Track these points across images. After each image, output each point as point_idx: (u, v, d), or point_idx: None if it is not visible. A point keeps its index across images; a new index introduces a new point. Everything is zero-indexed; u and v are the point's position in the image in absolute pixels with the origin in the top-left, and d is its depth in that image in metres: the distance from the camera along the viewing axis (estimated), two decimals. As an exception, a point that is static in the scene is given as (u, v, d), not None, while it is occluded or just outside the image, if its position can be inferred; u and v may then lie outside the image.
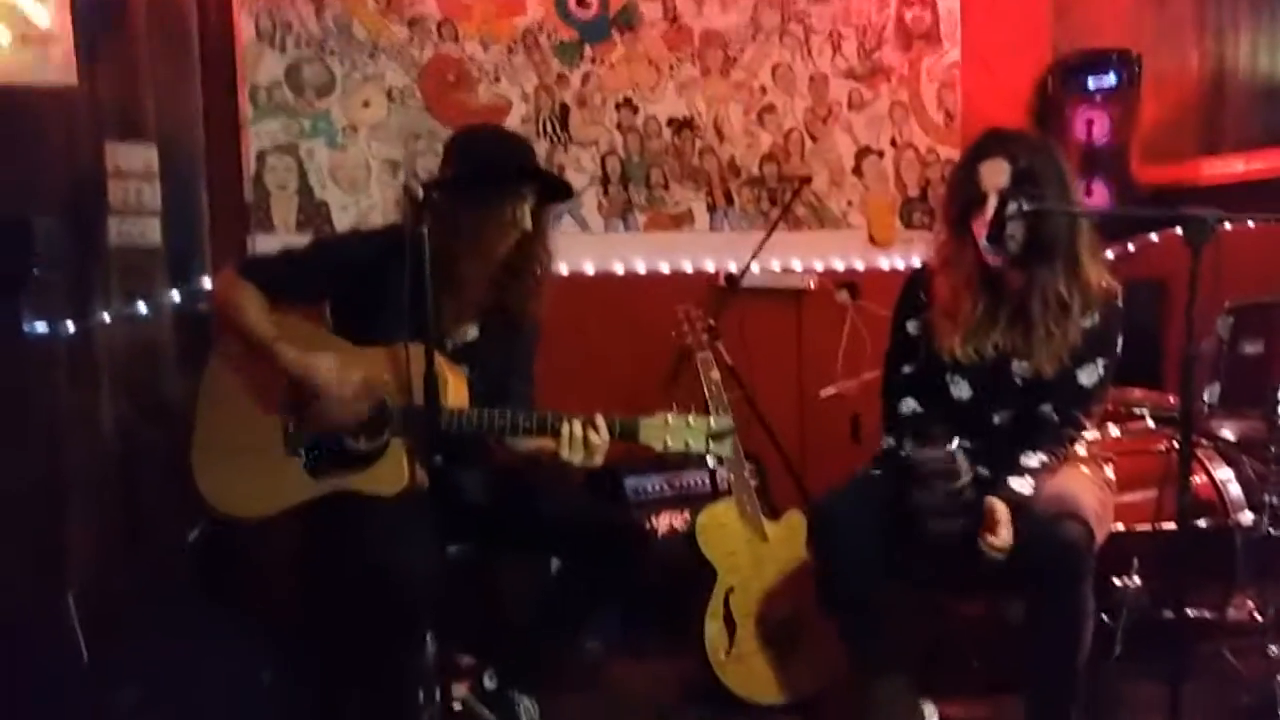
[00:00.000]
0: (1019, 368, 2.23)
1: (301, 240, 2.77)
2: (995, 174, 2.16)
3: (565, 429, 2.03)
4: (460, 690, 2.38)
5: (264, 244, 2.96)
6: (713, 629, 2.52)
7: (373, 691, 2.10)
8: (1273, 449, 2.51)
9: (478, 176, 2.17)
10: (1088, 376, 2.21)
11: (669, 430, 2.01)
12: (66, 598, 2.52)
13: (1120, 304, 2.24)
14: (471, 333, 2.29)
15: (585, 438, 2.02)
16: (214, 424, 2.21)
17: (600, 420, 2.03)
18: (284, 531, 2.16)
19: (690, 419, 2.00)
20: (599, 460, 2.05)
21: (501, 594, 2.68)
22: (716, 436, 2.00)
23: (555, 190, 2.33)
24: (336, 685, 2.25)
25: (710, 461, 2.04)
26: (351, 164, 3.11)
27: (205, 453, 2.20)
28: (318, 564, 2.24)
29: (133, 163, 2.82)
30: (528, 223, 2.22)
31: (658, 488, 3.04)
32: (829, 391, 3.39)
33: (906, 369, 2.39)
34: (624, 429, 2.04)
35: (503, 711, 2.35)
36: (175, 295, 2.82)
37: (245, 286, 2.18)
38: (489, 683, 2.37)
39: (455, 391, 2.12)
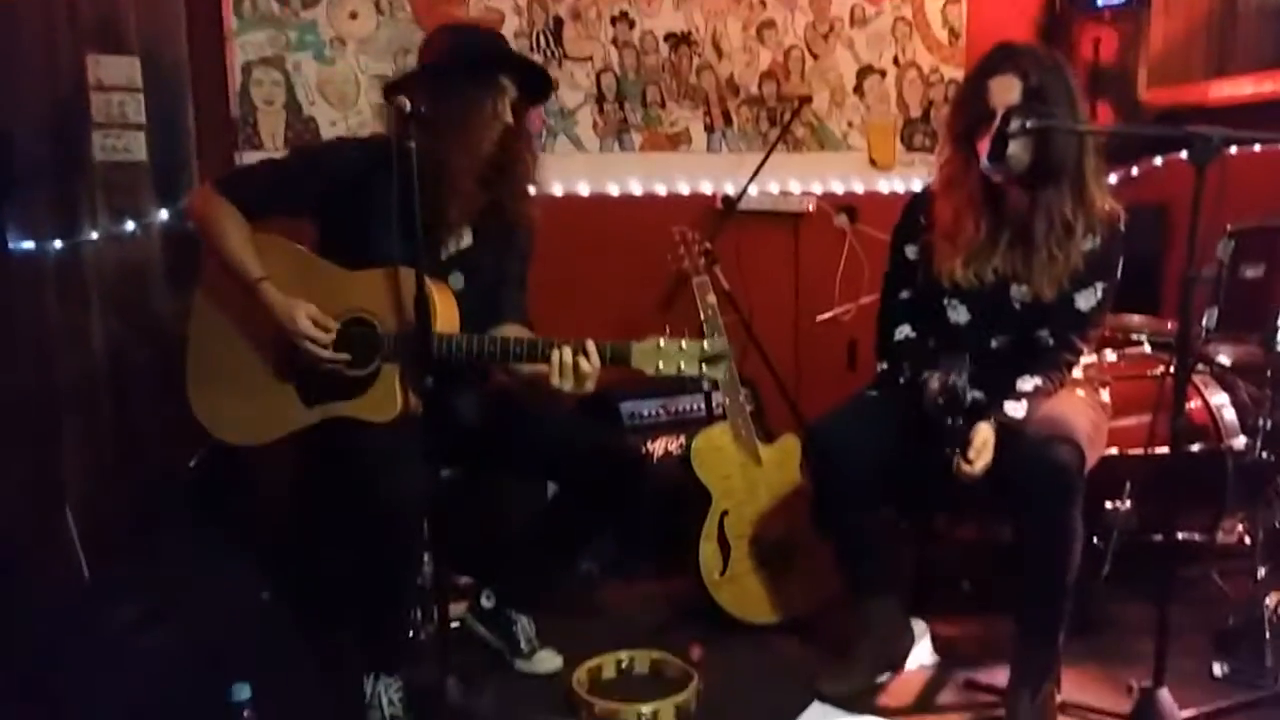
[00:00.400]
0: (1018, 292, 2.21)
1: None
2: (1005, 90, 2.10)
3: (556, 356, 2.01)
4: (458, 610, 2.42)
5: (252, 161, 2.89)
6: (707, 551, 2.55)
7: (370, 610, 2.12)
8: (1269, 373, 2.51)
9: (454, 67, 2.11)
10: (1086, 301, 2.20)
11: (661, 354, 1.98)
12: (65, 514, 2.53)
13: (1123, 228, 2.20)
14: (465, 239, 2.25)
15: (576, 364, 2.00)
16: (207, 352, 2.19)
17: (591, 346, 2.01)
18: (282, 456, 2.16)
19: (683, 343, 1.98)
20: (590, 387, 2.02)
21: (499, 516, 2.70)
22: (710, 360, 1.98)
23: (535, 84, 2.25)
24: (334, 604, 2.27)
25: (705, 385, 2.00)
26: (340, 79, 3.02)
27: (200, 380, 2.19)
28: (315, 487, 2.25)
29: (115, 75, 2.74)
30: (508, 115, 2.16)
31: (653, 412, 3.04)
32: (826, 316, 3.38)
33: (904, 294, 2.37)
34: (615, 354, 2.01)
35: (500, 630, 2.39)
36: (163, 212, 2.77)
37: (223, 206, 2.11)
38: (486, 602, 2.41)
39: (444, 315, 2.10)
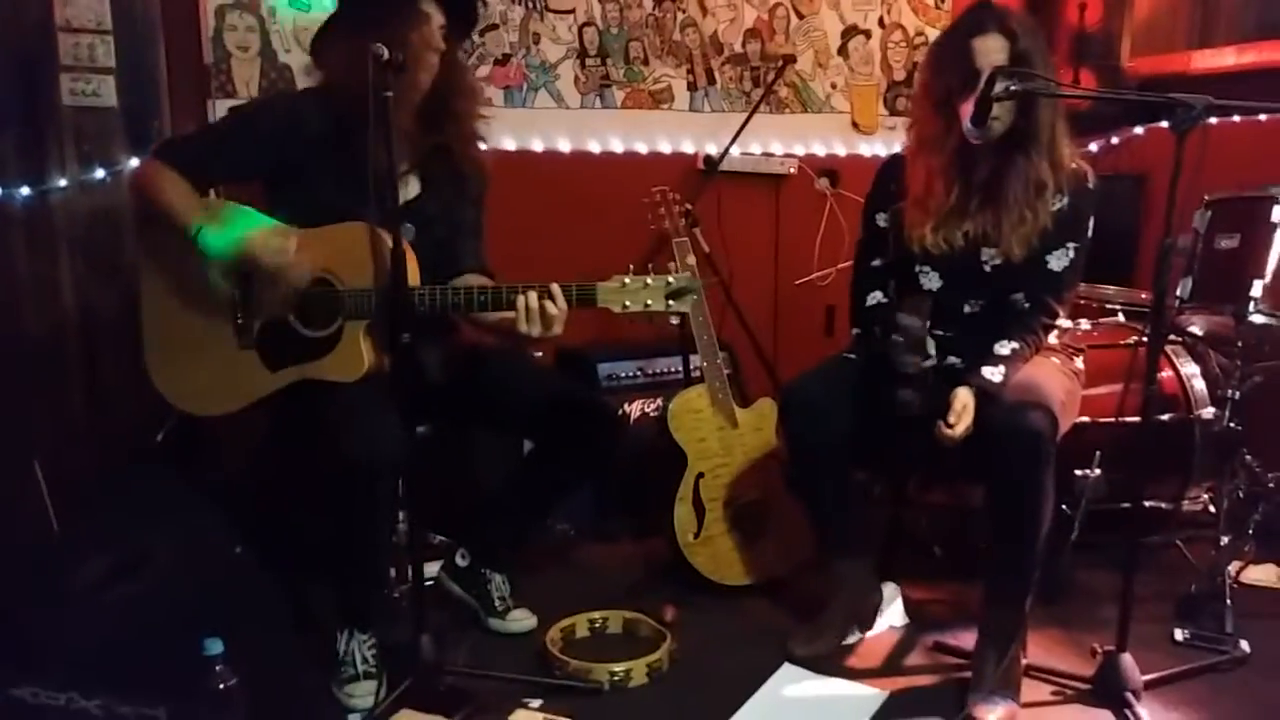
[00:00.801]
0: (988, 255, 2.21)
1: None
2: (992, 51, 2.08)
3: (521, 301, 1.98)
4: (433, 568, 2.42)
5: (225, 109, 2.82)
6: (682, 512, 2.56)
7: (343, 566, 2.12)
8: (1239, 344, 2.54)
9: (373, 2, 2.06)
10: (1058, 261, 2.20)
11: (626, 292, 1.96)
12: (34, 467, 2.50)
13: (1090, 186, 2.20)
14: (413, 187, 2.20)
15: (542, 308, 1.98)
16: (161, 324, 2.13)
17: (556, 289, 1.98)
18: (253, 417, 2.12)
19: (648, 279, 1.95)
20: (558, 329, 2.00)
21: (474, 474, 2.69)
22: (675, 294, 1.95)
23: (463, 12, 2.20)
24: (307, 559, 2.27)
25: (673, 320, 1.98)
26: (317, 25, 2.94)
27: (159, 353, 2.14)
28: (287, 447, 2.22)
29: (83, 17, 2.67)
30: (438, 41, 2.10)
31: (630, 374, 3.04)
32: (805, 280, 3.38)
33: (876, 262, 2.37)
34: (581, 294, 1.99)
35: (474, 589, 2.39)
36: (134, 160, 2.71)
37: (166, 173, 2.05)
38: (461, 561, 2.41)
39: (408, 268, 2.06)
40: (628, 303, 1.96)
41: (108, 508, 2.31)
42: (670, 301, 1.96)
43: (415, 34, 2.06)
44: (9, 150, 2.62)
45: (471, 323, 2.23)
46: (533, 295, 1.98)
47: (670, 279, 1.96)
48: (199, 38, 2.85)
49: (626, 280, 1.96)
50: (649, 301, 1.95)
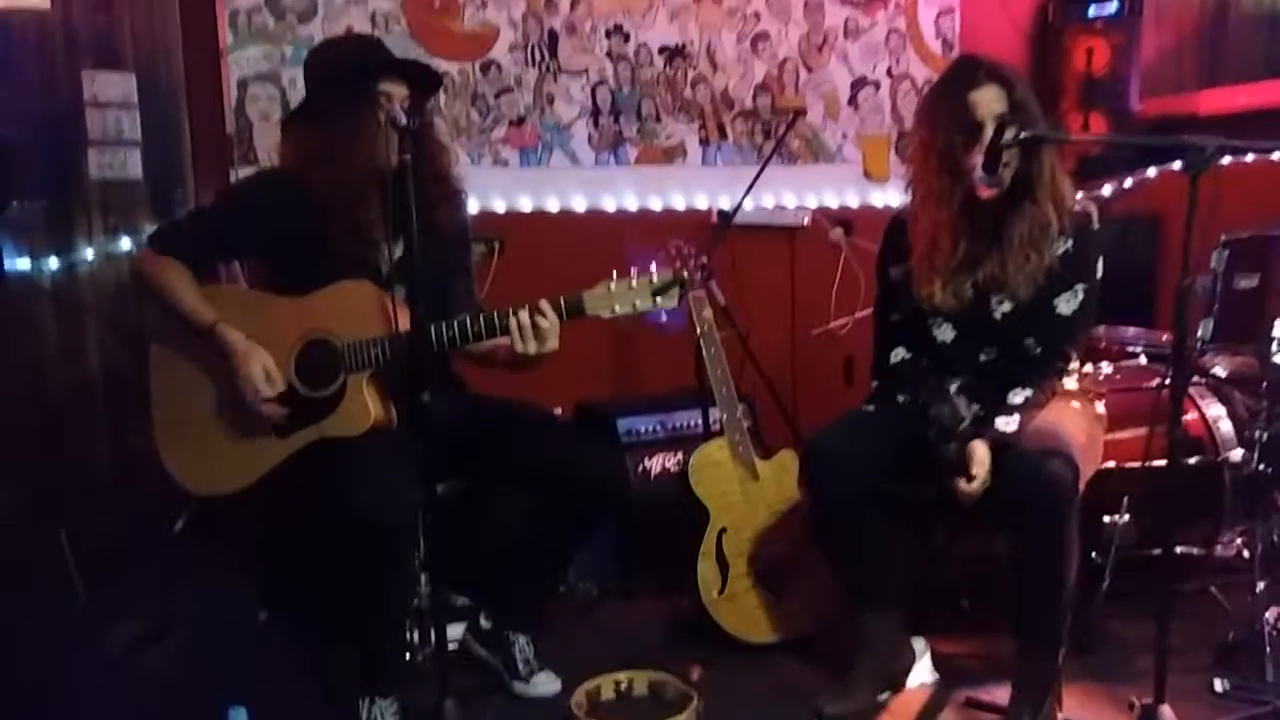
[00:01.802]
0: (998, 304, 2.22)
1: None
2: (991, 102, 2.10)
3: (513, 322, 2.00)
4: (456, 631, 2.41)
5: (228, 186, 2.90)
6: (705, 569, 2.54)
7: (365, 630, 2.11)
8: (1264, 385, 2.51)
9: (333, 88, 2.11)
10: (1067, 305, 2.20)
11: (613, 296, 1.97)
12: (60, 535, 2.52)
13: (1095, 227, 2.20)
14: (398, 249, 2.20)
15: (534, 324, 2.00)
16: (172, 406, 2.17)
17: (544, 303, 2.00)
18: (266, 490, 2.13)
19: (633, 281, 1.96)
20: (554, 344, 2.02)
21: (493, 534, 2.68)
22: (661, 290, 1.95)
23: (423, 81, 2.24)
24: (330, 625, 2.26)
25: (663, 316, 1.98)
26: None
27: (170, 437, 2.17)
28: (306, 511, 2.23)
29: (110, 92, 2.74)
30: (400, 117, 2.09)
31: (651, 429, 3.03)
32: (822, 330, 3.38)
33: (895, 317, 2.37)
34: (570, 306, 2.01)
35: (498, 651, 2.37)
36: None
37: (169, 264, 2.11)
38: (484, 623, 2.40)
39: (404, 324, 2.07)
40: (616, 306, 1.97)
41: (134, 575, 2.32)
42: (657, 298, 1.96)
43: (372, 116, 2.09)
44: (38, 224, 2.68)
45: (471, 358, 2.25)
46: (524, 314, 2.01)
47: (654, 276, 1.97)
48: (222, 109, 2.92)
49: (612, 285, 1.98)
50: (636, 302, 1.96)
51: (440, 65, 2.51)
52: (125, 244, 2.76)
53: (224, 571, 2.21)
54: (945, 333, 2.28)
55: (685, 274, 2.08)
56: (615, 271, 1.99)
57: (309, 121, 2.16)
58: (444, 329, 2.04)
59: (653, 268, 1.98)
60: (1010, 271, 2.17)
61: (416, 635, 2.36)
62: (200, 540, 2.45)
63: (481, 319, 2.04)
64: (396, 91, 2.15)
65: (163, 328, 2.17)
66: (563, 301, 2.01)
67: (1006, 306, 2.21)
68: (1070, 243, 2.18)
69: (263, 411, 2.06)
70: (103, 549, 2.51)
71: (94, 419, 2.77)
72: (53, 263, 2.69)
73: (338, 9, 3.01)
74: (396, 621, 2.12)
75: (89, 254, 2.73)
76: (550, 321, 2.00)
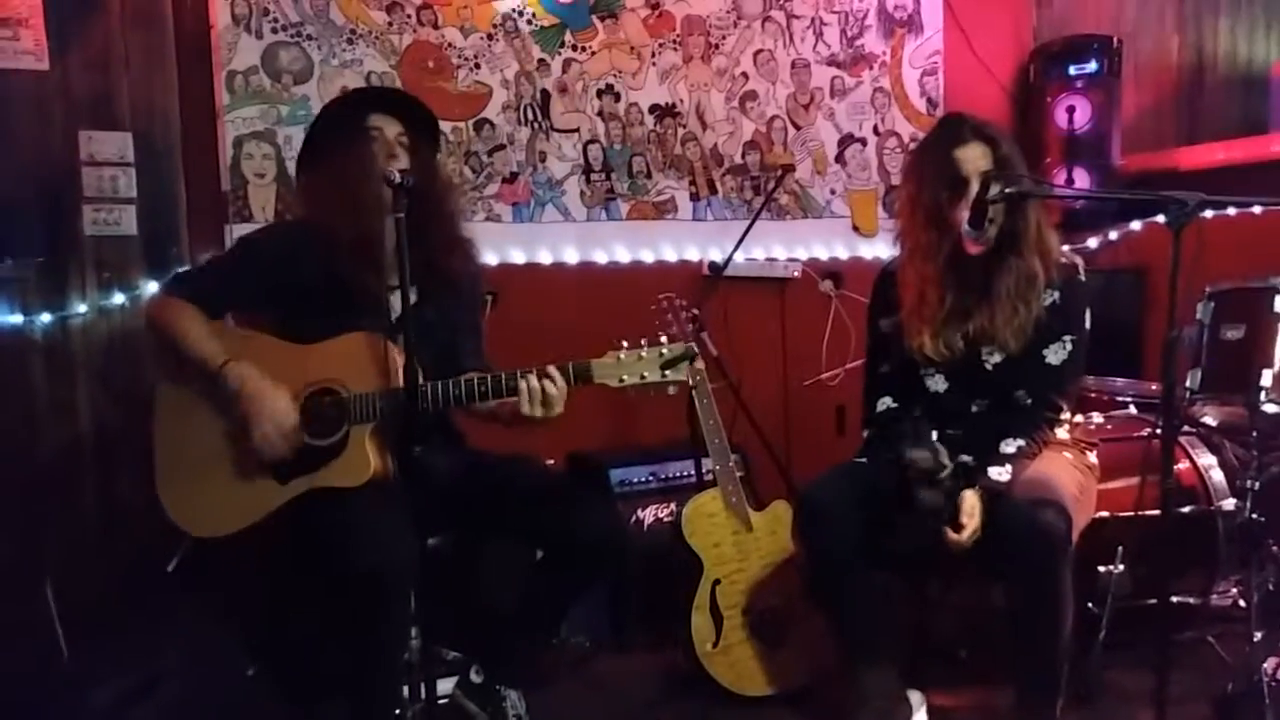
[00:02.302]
0: (989, 355, 2.24)
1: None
2: (977, 159, 2.16)
3: (523, 385, 1.99)
4: (446, 685, 2.37)
5: (242, 234, 2.91)
6: (699, 621, 2.51)
7: (355, 685, 2.07)
8: (1254, 434, 2.53)
9: (322, 129, 2.14)
10: (1055, 355, 2.22)
11: (622, 366, 1.96)
12: (45, 591, 2.49)
13: (1082, 279, 2.25)
14: (411, 296, 2.25)
15: (543, 390, 1.99)
16: (174, 446, 2.16)
17: (554, 370, 2.00)
18: (261, 540, 2.11)
19: (642, 351, 1.96)
20: (559, 409, 2.00)
21: (485, 587, 2.66)
22: (670, 363, 1.95)
23: (414, 116, 2.22)
24: (319, 680, 2.23)
25: (670, 389, 1.98)
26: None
27: (169, 476, 2.16)
28: (297, 561, 2.21)
29: (107, 151, 2.78)
30: (400, 156, 2.14)
31: (643, 479, 3.02)
32: (813, 381, 3.39)
33: (884, 368, 2.40)
34: (578, 372, 2.00)
35: (490, 706, 2.33)
36: (152, 285, 2.78)
37: (183, 307, 2.13)
38: (475, 677, 2.36)
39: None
40: (624, 376, 1.97)
41: (120, 630, 2.29)
42: (666, 371, 1.95)
43: (367, 151, 2.11)
44: (31, 279, 2.69)
45: (473, 414, 2.24)
46: (533, 378, 2.00)
47: (664, 349, 1.96)
48: (217, 166, 2.95)
49: (621, 354, 1.97)
50: (645, 373, 1.95)
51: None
52: (119, 299, 2.77)
53: (212, 624, 2.18)
54: (938, 383, 2.30)
55: (695, 347, 2.08)
56: (625, 341, 1.99)
57: (311, 169, 2.19)
58: (450, 387, 2.04)
59: (663, 339, 1.98)
60: (999, 324, 2.20)
61: (407, 690, 2.32)
62: (192, 582, 2.41)
63: (489, 380, 2.03)
64: (388, 127, 2.16)
65: (171, 370, 2.17)
66: (571, 368, 2.00)
67: (997, 357, 2.24)
68: (1058, 294, 2.22)
69: (277, 448, 2.03)
70: (89, 604, 2.48)
71: (83, 474, 2.75)
72: (45, 317, 2.70)
73: (333, 70, 3.06)
74: (388, 675, 2.08)
75: (82, 308, 2.74)
76: (559, 388, 1.99)
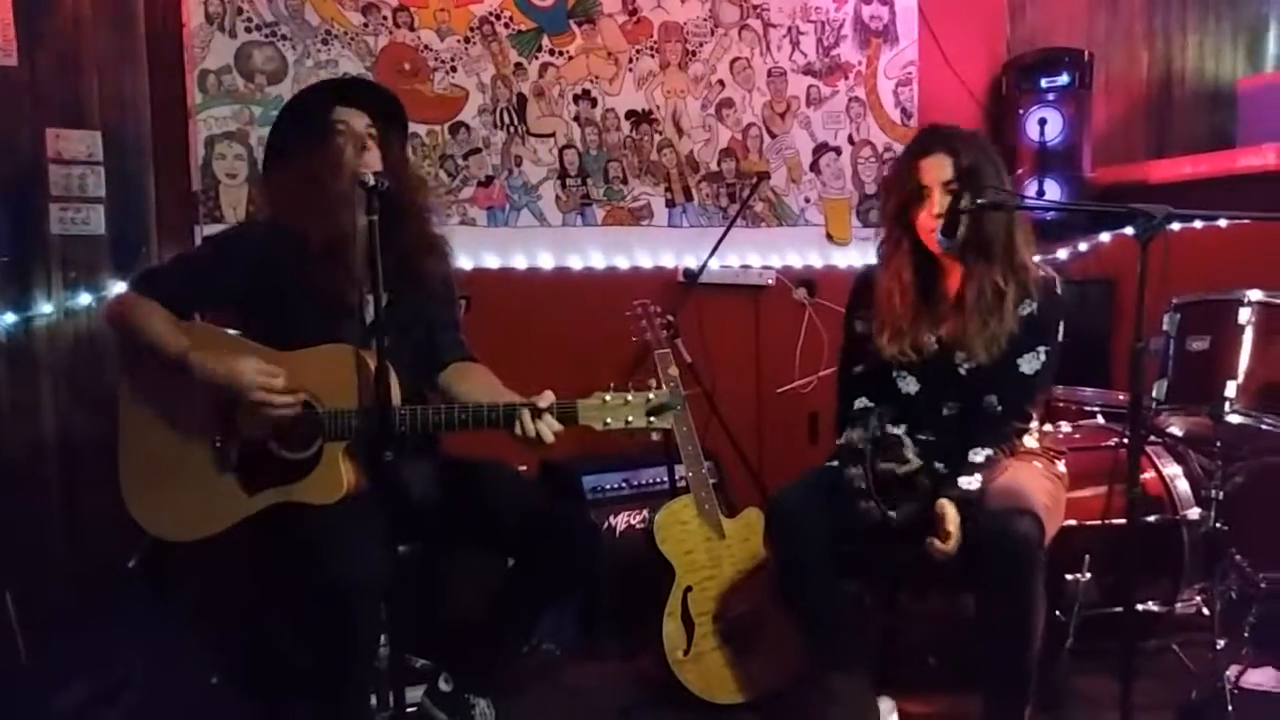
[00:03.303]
0: (961, 359, 2.27)
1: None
2: (937, 169, 2.21)
3: (517, 425, 1.98)
4: (415, 694, 2.35)
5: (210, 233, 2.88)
6: (670, 628, 2.51)
7: (323, 695, 2.05)
8: (1218, 444, 2.56)
9: (285, 123, 2.11)
10: (1029, 365, 2.25)
11: (607, 409, 1.96)
12: (4, 596, 2.44)
13: (1059, 292, 2.29)
14: (382, 299, 2.19)
15: (538, 430, 1.97)
16: (140, 450, 2.11)
17: (549, 401, 1.97)
18: (227, 545, 2.08)
19: (628, 396, 1.96)
20: (551, 441, 1.99)
21: (455, 595, 2.64)
22: (655, 411, 1.96)
23: (382, 107, 2.18)
24: (286, 688, 2.20)
25: (654, 435, 2.00)
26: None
27: (135, 479, 2.11)
28: (265, 572, 2.18)
29: (75, 149, 2.74)
30: (367, 140, 2.10)
31: (616, 485, 3.02)
32: (787, 388, 3.40)
33: (858, 369, 2.42)
34: (562, 413, 1.99)
35: (459, 715, 2.31)
36: (120, 285, 2.74)
37: (146, 303, 2.07)
38: (444, 686, 2.34)
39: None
40: (609, 420, 1.97)
41: (83, 636, 2.25)
42: (651, 418, 1.96)
43: (334, 143, 2.08)
44: (-3, 278, 2.65)
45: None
46: (527, 415, 1.96)
47: (650, 395, 1.97)
48: (188, 166, 2.92)
49: (607, 398, 1.97)
50: (630, 418, 1.96)
51: (410, 127, 2.53)
52: (85, 299, 2.73)
53: (176, 630, 2.15)
54: (909, 385, 2.33)
55: (683, 395, 2.08)
56: (613, 385, 1.99)
57: (276, 167, 2.16)
58: (430, 415, 2.00)
59: (650, 384, 1.99)
60: (970, 334, 2.24)
61: (375, 698, 2.30)
62: (153, 582, 2.37)
63: (469, 411, 2.01)
64: (355, 120, 2.11)
65: (138, 371, 2.11)
66: (555, 408, 1.98)
67: (971, 363, 2.26)
68: (1035, 307, 2.25)
69: (280, 407, 1.98)
70: (52, 610, 2.44)
71: (46, 477, 2.71)
72: (9, 317, 2.65)
73: (308, 70, 3.04)
74: (356, 683, 2.06)
75: (47, 309, 2.69)
76: (555, 427, 1.97)
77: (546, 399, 1.98)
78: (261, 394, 1.98)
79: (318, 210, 2.06)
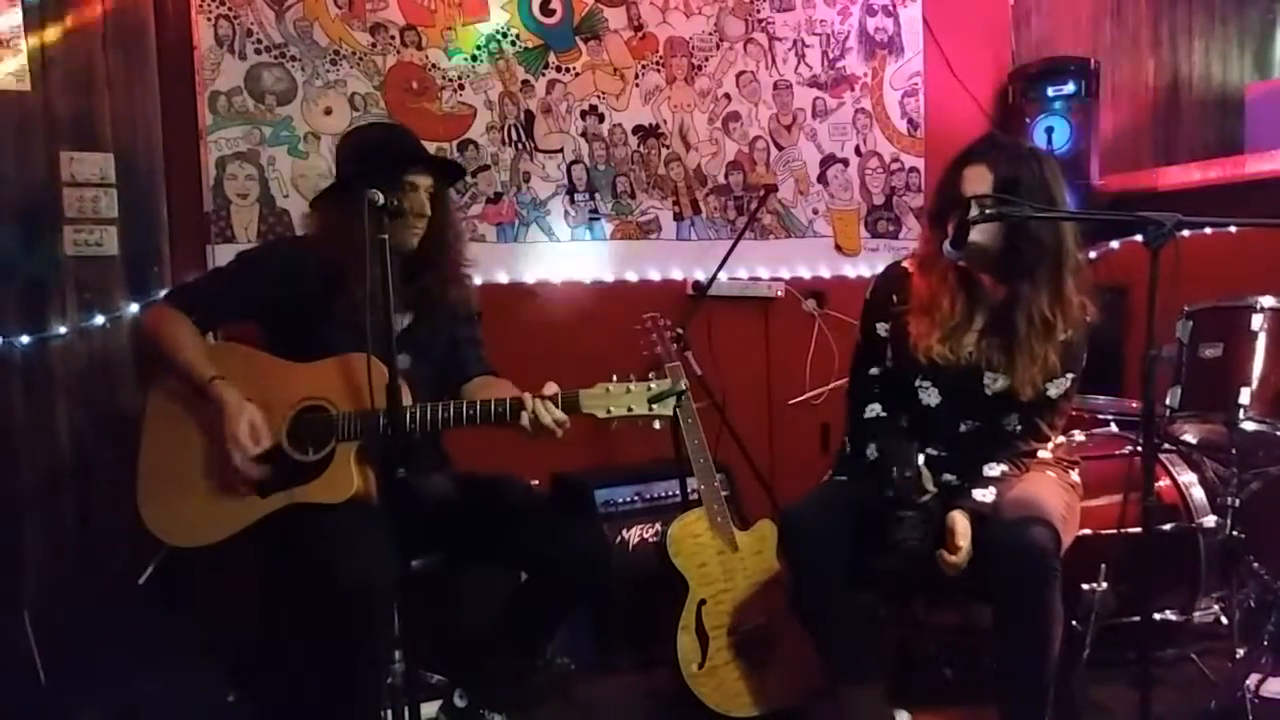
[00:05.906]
0: (991, 380, 2.23)
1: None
2: (977, 180, 2.17)
3: (523, 415, 2.03)
4: (430, 709, 2.35)
5: (224, 254, 2.90)
6: (685, 641, 2.50)
7: (337, 708, 2.05)
8: (1233, 451, 2.55)
9: (364, 174, 2.13)
10: (1056, 389, 2.24)
11: (609, 398, 2.00)
12: (23, 617, 2.45)
13: (1089, 320, 2.25)
14: (405, 319, 2.27)
15: (543, 419, 2.01)
16: (158, 454, 2.16)
17: (553, 390, 2.03)
18: (243, 551, 2.10)
19: (630, 385, 1.99)
20: (560, 434, 2.04)
21: (468, 609, 2.64)
22: (658, 398, 1.98)
23: (448, 172, 2.35)
24: (300, 706, 2.20)
25: (656, 424, 2.02)
26: (314, 172, 3.05)
27: (150, 484, 2.16)
28: (278, 579, 2.19)
29: (88, 171, 2.76)
30: (426, 208, 2.21)
31: (628, 499, 3.02)
32: (798, 400, 3.40)
33: (874, 371, 2.38)
34: (566, 402, 2.03)
35: (474, 729, 2.32)
36: (133, 306, 2.76)
37: (177, 318, 2.16)
38: (459, 701, 2.34)
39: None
40: (611, 408, 1.99)
41: (99, 657, 2.26)
42: (653, 405, 1.98)
43: (404, 203, 2.15)
44: (11, 300, 2.67)
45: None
46: (538, 404, 2.02)
47: (652, 384, 2.00)
48: (200, 187, 2.94)
49: (609, 387, 2.00)
50: (632, 406, 1.98)
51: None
52: (99, 320, 2.75)
53: (192, 650, 2.15)
54: (931, 396, 2.29)
55: (685, 384, 2.12)
56: (615, 375, 2.02)
57: (337, 201, 2.20)
58: (438, 411, 2.05)
59: (651, 375, 2.02)
60: (1018, 367, 2.18)
61: (390, 714, 2.30)
62: (166, 596, 2.39)
63: (492, 407, 2.05)
64: (422, 181, 2.23)
65: (160, 379, 2.18)
66: (559, 397, 2.03)
67: (1000, 385, 2.23)
68: (1070, 333, 2.21)
69: (242, 470, 2.05)
70: (68, 630, 2.44)
71: (61, 497, 2.72)
72: (24, 339, 2.67)
73: (317, 91, 3.06)
74: (370, 699, 2.07)
75: (62, 330, 2.71)
76: (562, 416, 2.02)
77: (550, 388, 2.04)
78: (236, 449, 2.05)
79: (361, 252, 2.08)
